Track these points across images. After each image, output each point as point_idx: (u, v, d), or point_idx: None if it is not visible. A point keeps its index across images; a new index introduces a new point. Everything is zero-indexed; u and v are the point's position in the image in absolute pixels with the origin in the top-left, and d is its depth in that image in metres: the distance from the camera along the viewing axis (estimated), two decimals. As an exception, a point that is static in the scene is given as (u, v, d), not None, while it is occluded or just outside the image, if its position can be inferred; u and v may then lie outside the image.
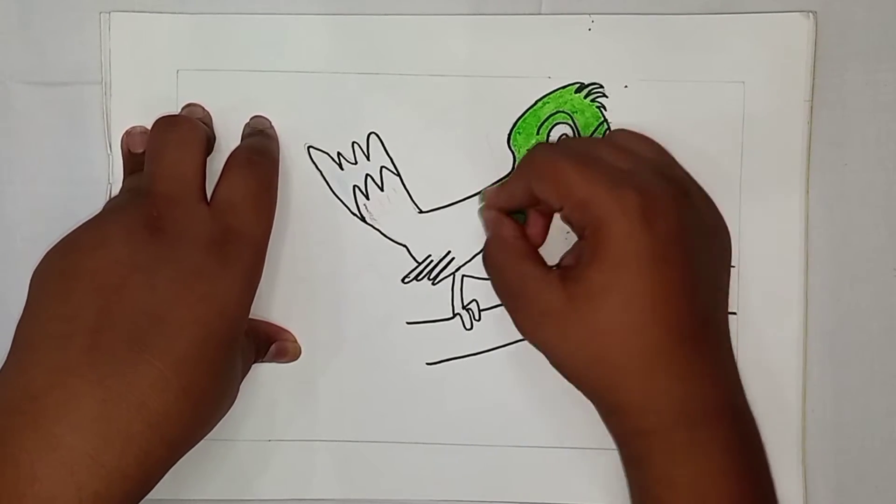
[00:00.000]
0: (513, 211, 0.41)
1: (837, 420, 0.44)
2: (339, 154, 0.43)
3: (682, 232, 0.36)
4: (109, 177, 0.43)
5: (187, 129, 0.39)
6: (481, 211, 0.43)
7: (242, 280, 0.36)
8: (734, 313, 0.43)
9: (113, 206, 0.39)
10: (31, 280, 0.36)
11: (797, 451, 0.43)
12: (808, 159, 0.43)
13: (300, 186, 0.43)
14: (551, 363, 0.38)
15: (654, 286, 0.35)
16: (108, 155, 0.43)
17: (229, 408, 0.38)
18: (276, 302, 0.43)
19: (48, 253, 0.36)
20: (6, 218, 0.44)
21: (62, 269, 0.35)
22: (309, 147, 0.43)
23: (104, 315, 0.33)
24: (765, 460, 0.38)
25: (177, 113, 0.42)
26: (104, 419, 0.32)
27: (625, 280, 0.35)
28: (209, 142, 0.40)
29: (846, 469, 0.44)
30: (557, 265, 0.41)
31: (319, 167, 0.43)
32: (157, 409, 0.33)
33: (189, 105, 0.43)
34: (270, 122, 0.43)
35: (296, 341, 0.43)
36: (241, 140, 0.42)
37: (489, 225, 0.41)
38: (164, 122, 0.39)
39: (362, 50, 0.43)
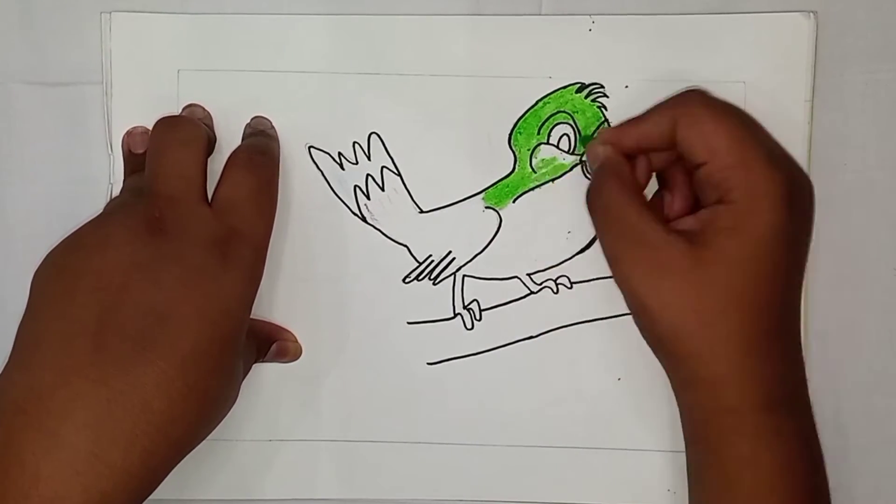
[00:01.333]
0: (631, 154, 0.39)
1: (837, 420, 0.44)
2: (339, 154, 0.43)
3: (808, 223, 0.37)
4: (110, 177, 0.43)
5: (189, 130, 0.39)
6: (591, 145, 0.40)
7: (245, 279, 0.37)
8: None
9: (114, 206, 0.39)
10: (34, 280, 0.36)
11: (797, 451, 0.43)
12: (809, 159, 0.43)
13: (301, 186, 0.43)
14: (640, 317, 0.37)
15: (782, 269, 0.36)
16: (109, 155, 0.43)
17: (231, 407, 0.38)
18: (277, 302, 0.43)
19: (50, 252, 0.36)
20: (6, 218, 0.44)
21: (65, 269, 0.35)
22: (310, 147, 0.43)
23: (108, 315, 0.33)
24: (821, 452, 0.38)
25: (178, 113, 0.42)
26: (109, 419, 0.32)
27: (764, 257, 0.35)
28: (210, 142, 0.40)
29: (846, 469, 0.44)
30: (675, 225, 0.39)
31: (320, 167, 0.43)
32: (161, 408, 0.33)
33: (190, 105, 0.43)
34: (271, 123, 0.43)
35: (296, 341, 0.43)
36: (242, 140, 0.42)
37: (605, 162, 0.39)
38: (166, 123, 0.39)
39: (363, 50, 0.43)
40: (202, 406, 0.35)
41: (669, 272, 0.36)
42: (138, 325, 0.33)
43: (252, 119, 0.43)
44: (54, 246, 0.36)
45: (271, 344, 0.42)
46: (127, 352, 0.33)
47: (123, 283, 0.34)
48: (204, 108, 0.43)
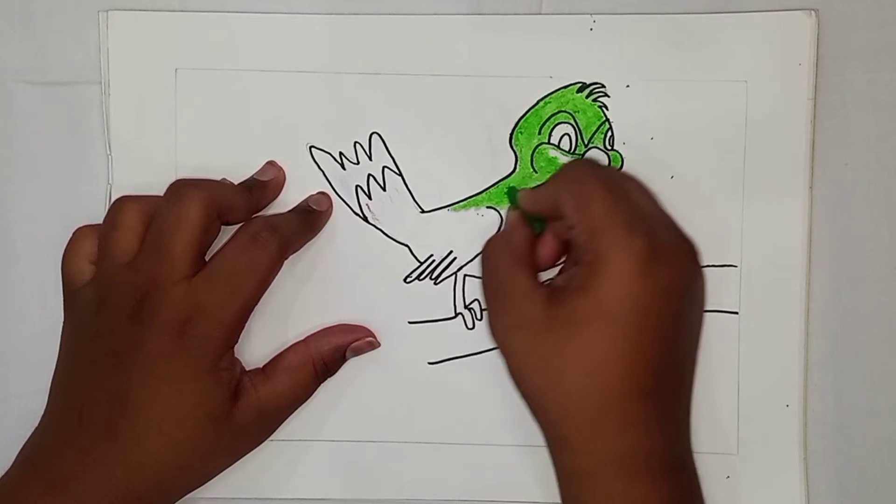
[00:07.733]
0: (534, 217, 0.40)
1: (837, 420, 0.44)
2: (341, 154, 0.43)
3: (677, 289, 0.35)
4: (109, 177, 0.43)
5: (186, 204, 0.38)
6: (510, 208, 0.42)
7: (201, 358, 0.38)
8: (735, 312, 0.43)
9: (110, 291, 0.39)
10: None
11: (797, 451, 0.44)
12: (812, 158, 0.43)
13: (302, 186, 0.43)
14: (510, 372, 0.37)
15: (632, 334, 0.34)
16: (108, 155, 0.43)
17: (224, 463, 0.41)
18: (277, 302, 0.43)
19: (70, 320, 0.40)
20: (6, 218, 0.44)
21: (69, 350, 0.40)
22: (311, 147, 0.43)
23: (86, 397, 0.38)
24: None
25: (194, 178, 0.41)
26: (90, 481, 0.37)
27: (608, 319, 0.34)
28: (224, 207, 0.40)
29: (846, 469, 0.44)
30: (549, 282, 0.39)
31: (322, 167, 0.43)
32: (140, 475, 0.37)
33: (268, 164, 0.43)
34: (330, 200, 0.43)
35: (369, 335, 0.43)
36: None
37: (506, 222, 0.42)
38: (171, 191, 0.39)
39: (363, 50, 0.43)
40: (182, 471, 0.39)
41: (525, 328, 0.36)
42: (106, 410, 0.38)
43: (315, 193, 0.43)
44: (81, 313, 0.39)
45: (341, 354, 0.43)
46: (100, 432, 0.37)
47: (100, 371, 0.38)
48: (280, 168, 0.43)
